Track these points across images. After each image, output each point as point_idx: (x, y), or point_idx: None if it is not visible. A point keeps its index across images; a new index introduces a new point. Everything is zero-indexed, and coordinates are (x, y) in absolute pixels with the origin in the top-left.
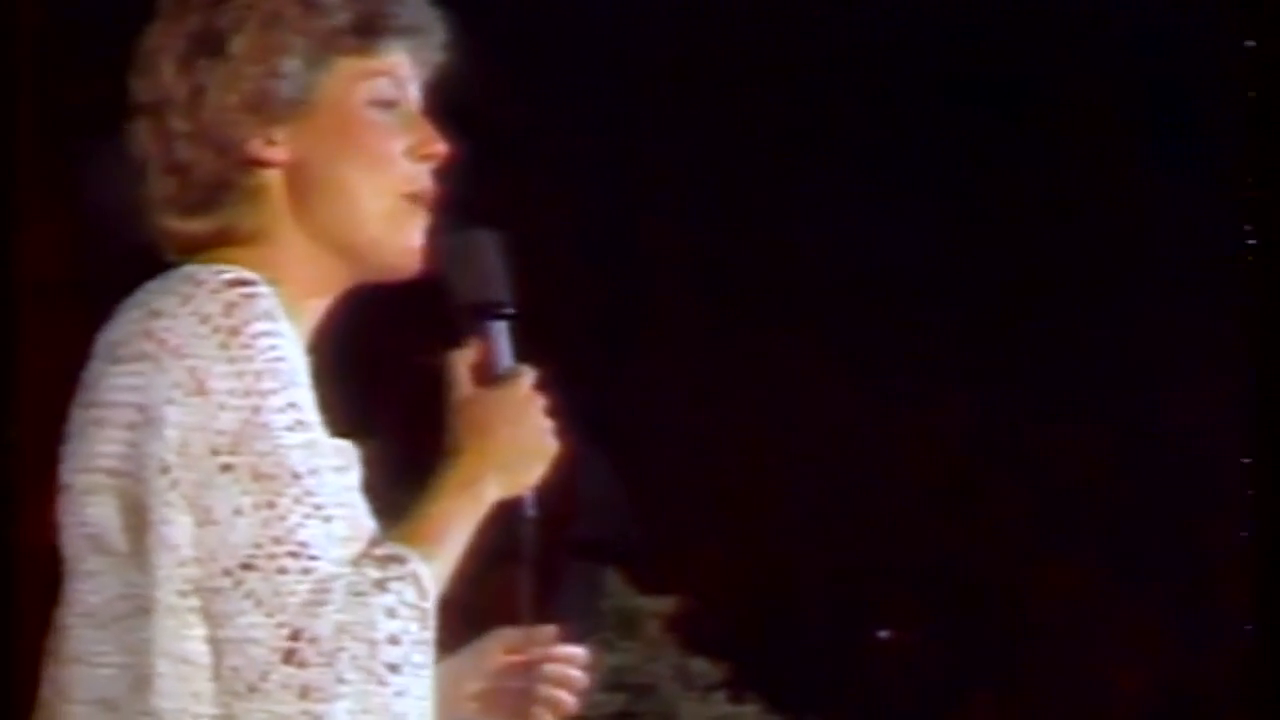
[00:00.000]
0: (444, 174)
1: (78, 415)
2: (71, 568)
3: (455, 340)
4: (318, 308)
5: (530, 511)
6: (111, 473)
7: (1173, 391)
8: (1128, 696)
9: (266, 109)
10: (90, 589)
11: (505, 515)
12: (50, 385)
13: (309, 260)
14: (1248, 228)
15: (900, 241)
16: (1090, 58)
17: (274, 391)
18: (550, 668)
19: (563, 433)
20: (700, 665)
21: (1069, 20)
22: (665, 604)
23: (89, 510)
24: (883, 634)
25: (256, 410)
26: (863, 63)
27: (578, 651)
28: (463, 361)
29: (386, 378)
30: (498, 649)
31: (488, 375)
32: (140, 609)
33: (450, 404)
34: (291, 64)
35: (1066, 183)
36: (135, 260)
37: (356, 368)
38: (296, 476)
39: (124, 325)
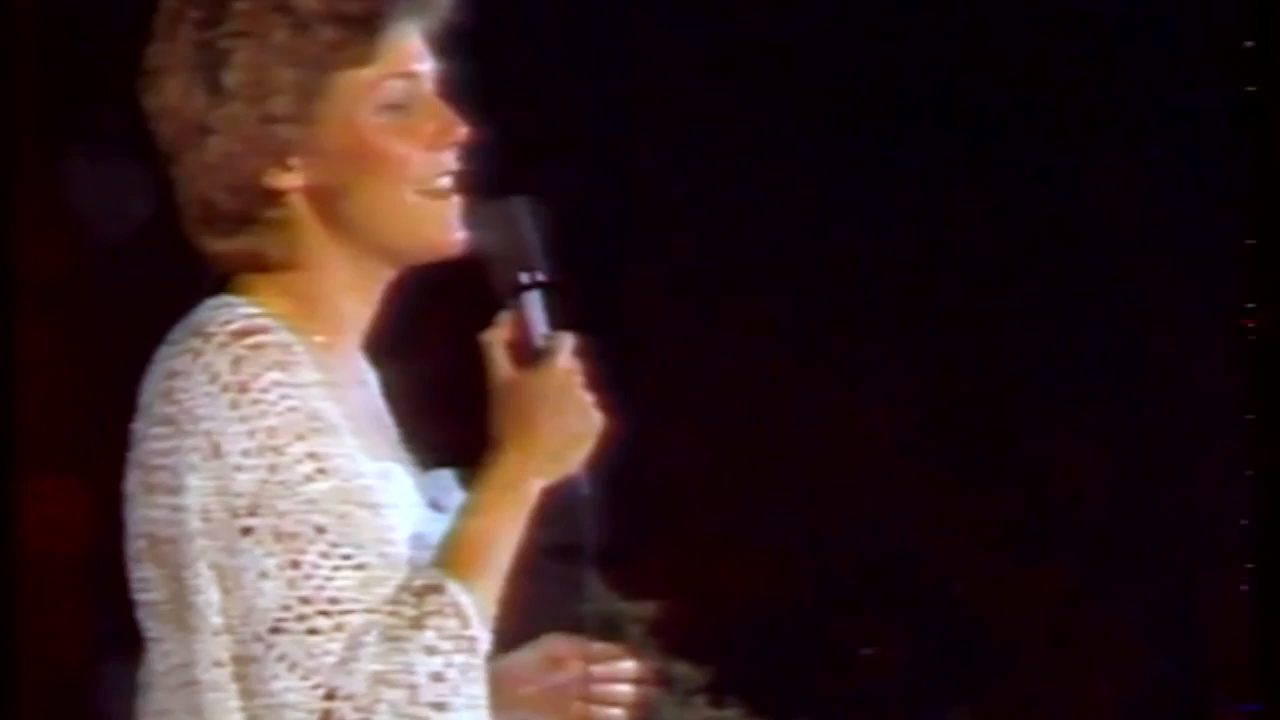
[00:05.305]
0: (469, 151)
1: (131, 474)
2: (145, 628)
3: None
4: (369, 300)
5: (585, 490)
6: (154, 539)
7: (1169, 396)
8: (1112, 710)
9: (270, 149)
10: (159, 656)
11: (560, 497)
12: (49, 385)
13: (348, 265)
14: (1248, 228)
15: (894, 243)
16: (1089, 57)
17: (289, 444)
18: (599, 688)
19: (607, 405)
20: (682, 669)
21: (1068, 20)
22: (647, 608)
23: (144, 579)
24: (865, 651)
25: (273, 469)
26: (867, 60)
27: (628, 666)
28: (498, 340)
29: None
30: (549, 656)
31: (526, 351)
32: (195, 681)
33: (490, 389)
34: (285, 102)
35: (1065, 182)
36: (133, 261)
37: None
38: (321, 531)
39: (152, 381)
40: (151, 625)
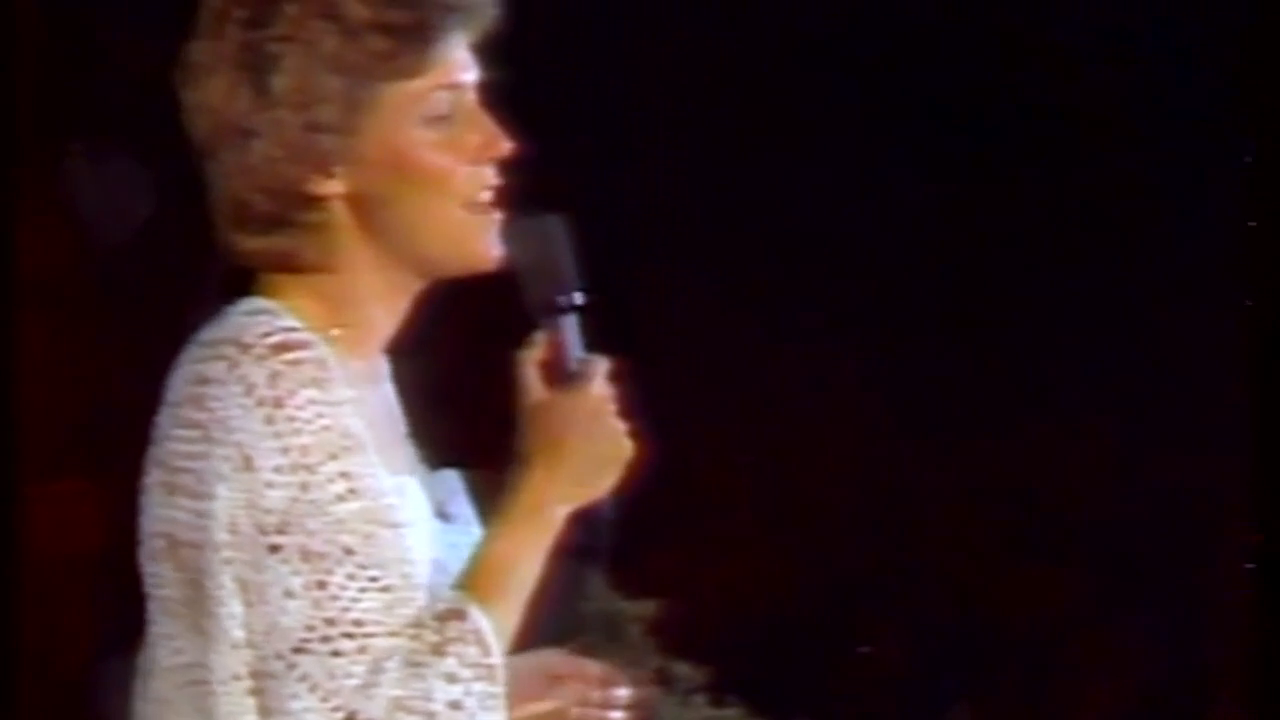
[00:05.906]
0: (511, 167)
1: (151, 470)
2: (152, 621)
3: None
4: (397, 311)
5: (609, 514)
6: (175, 541)
7: (1169, 396)
8: (1112, 710)
9: (312, 157)
10: (167, 651)
11: (583, 519)
12: (50, 385)
13: (380, 273)
14: (1246, 224)
15: (894, 244)
16: (1090, 59)
17: (321, 463)
18: (596, 713)
19: (638, 432)
20: (682, 669)
21: (1069, 22)
22: (647, 608)
23: (158, 575)
24: (864, 649)
25: (305, 487)
26: (870, 65)
27: (625, 693)
28: (531, 360)
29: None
30: (549, 674)
31: (559, 372)
32: (205, 682)
33: (521, 409)
34: (331, 111)
35: (1065, 184)
36: (133, 260)
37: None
38: (349, 552)
39: (181, 382)
40: (162, 620)
